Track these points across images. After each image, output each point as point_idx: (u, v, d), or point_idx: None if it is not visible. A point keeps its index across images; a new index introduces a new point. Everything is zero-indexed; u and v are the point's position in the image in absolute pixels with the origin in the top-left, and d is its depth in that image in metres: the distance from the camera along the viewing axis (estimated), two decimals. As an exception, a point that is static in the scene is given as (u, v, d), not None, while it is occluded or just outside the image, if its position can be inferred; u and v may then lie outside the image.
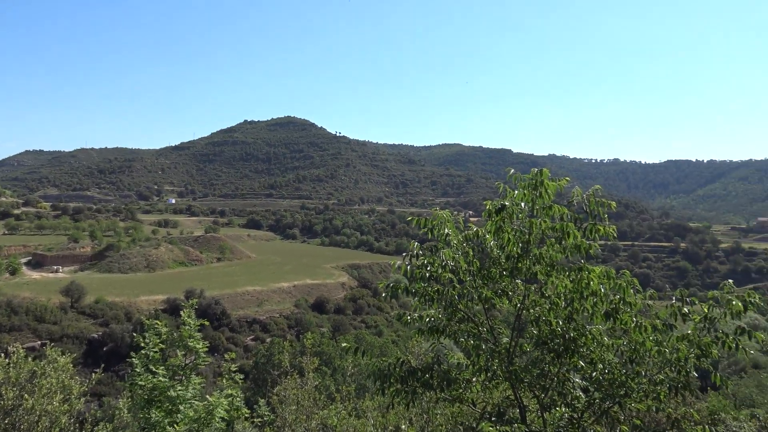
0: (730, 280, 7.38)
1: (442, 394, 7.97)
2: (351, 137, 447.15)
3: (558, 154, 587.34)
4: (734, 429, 19.48)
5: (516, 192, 7.55)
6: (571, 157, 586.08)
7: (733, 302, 6.97)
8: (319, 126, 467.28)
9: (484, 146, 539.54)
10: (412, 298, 8.02)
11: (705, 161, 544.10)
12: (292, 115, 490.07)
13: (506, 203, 7.39)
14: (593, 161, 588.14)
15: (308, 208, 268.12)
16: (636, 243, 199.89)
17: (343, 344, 8.50)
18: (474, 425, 8.32)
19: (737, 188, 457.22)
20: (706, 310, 7.28)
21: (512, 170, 7.72)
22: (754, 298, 7.05)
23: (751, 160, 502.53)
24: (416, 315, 8.13)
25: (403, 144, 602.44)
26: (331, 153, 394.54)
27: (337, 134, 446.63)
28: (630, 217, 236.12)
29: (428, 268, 7.75)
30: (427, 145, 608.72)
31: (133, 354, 9.30)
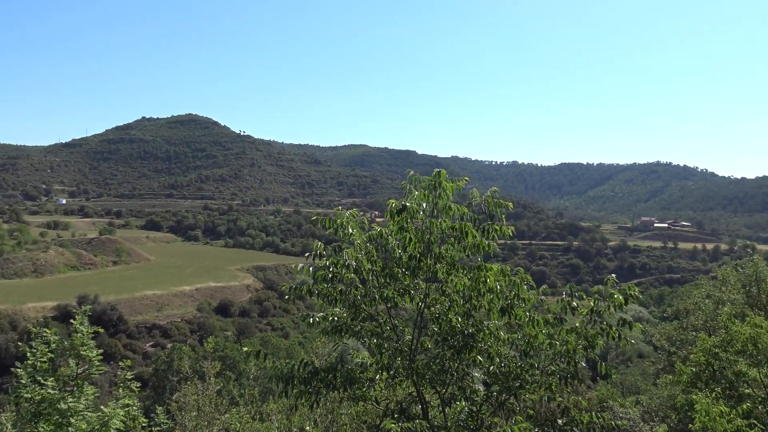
0: (614, 275, 7.92)
1: (346, 394, 8.02)
2: (256, 137, 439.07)
3: (460, 156, 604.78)
4: (621, 415, 20.86)
5: (417, 193, 7.72)
6: (473, 158, 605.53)
7: (615, 296, 7.49)
8: (223, 125, 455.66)
9: (389, 147, 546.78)
10: (316, 299, 8.02)
11: (595, 164, 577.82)
12: (194, 113, 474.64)
13: (407, 204, 7.54)
14: (493, 163, 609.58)
15: (211, 209, 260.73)
16: (533, 242, 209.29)
17: (245, 348, 8.36)
18: (378, 423, 8.44)
19: (623, 190, 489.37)
20: (592, 304, 7.77)
21: (411, 171, 7.89)
22: (634, 291, 7.61)
23: (635, 163, 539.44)
24: (320, 316, 8.13)
25: (309, 144, 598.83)
26: (235, 152, 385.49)
27: (242, 133, 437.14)
28: (528, 217, 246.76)
29: (331, 269, 7.76)
30: (333, 145, 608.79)
31: (18, 364, 8.70)
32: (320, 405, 9.58)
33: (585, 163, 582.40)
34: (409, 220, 7.60)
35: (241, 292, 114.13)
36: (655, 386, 30.33)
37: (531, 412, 8.03)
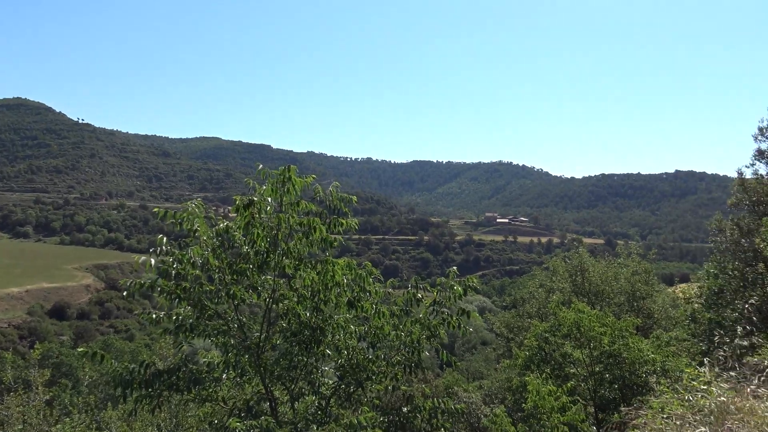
0: (454, 267, 8.37)
1: (191, 395, 7.74)
2: (96, 125, 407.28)
3: (316, 151, 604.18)
4: (464, 399, 22.11)
5: (264, 187, 7.62)
6: (329, 154, 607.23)
7: (455, 287, 7.92)
8: (58, 111, 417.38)
9: (243, 141, 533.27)
10: (157, 297, 7.63)
11: (444, 162, 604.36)
12: (24, 97, 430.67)
13: (255, 199, 7.41)
14: (348, 159, 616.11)
15: (44, 203, 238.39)
16: (387, 237, 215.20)
17: (80, 349, 7.75)
18: (224, 423, 8.23)
19: (469, 187, 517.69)
20: (435, 296, 8.16)
21: (261, 165, 7.77)
22: (473, 282, 8.10)
23: (480, 162, 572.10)
24: (163, 314, 7.76)
25: (157, 135, 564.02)
26: (72, 141, 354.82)
27: (80, 121, 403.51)
28: (381, 212, 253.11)
29: (175, 265, 7.42)
30: (183, 137, 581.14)
31: None
32: (163, 409, 9.16)
33: (435, 161, 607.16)
34: (256, 216, 7.47)
35: (79, 293, 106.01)
36: (495, 371, 32.46)
37: (377, 401, 8.27)
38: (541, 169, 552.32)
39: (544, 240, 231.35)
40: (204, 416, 10.10)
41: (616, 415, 11.91)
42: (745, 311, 11.21)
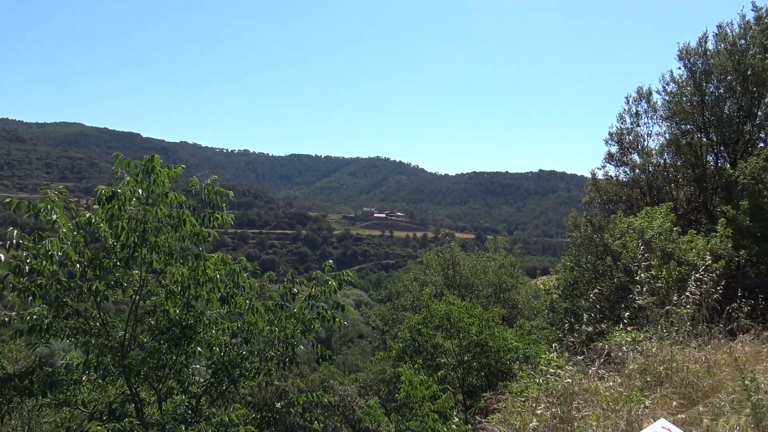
0: (330, 261, 8.44)
1: (46, 400, 7.23)
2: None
3: (190, 141, 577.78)
4: (340, 392, 22.36)
5: (128, 178, 7.25)
6: (203, 145, 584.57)
7: (330, 282, 7.99)
8: None
9: (109, 128, 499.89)
10: (9, 295, 7.03)
11: (323, 156, 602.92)
12: None
13: (118, 190, 7.03)
14: (225, 151, 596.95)
15: None
16: (264, 231, 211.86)
17: None
18: (84, 428, 7.76)
19: (348, 181, 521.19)
20: (311, 290, 8.18)
21: (121, 155, 7.37)
22: (348, 276, 8.21)
23: (359, 157, 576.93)
24: (13, 314, 7.15)
25: (9, 118, 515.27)
26: None
27: None
28: (258, 206, 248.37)
29: (28, 261, 6.86)
30: (40, 122, 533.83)
31: None
32: (13, 416, 8.49)
33: (314, 155, 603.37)
34: (121, 208, 7.08)
35: None
36: (371, 363, 33.08)
37: (250, 398, 8.17)
38: (417, 166, 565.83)
39: (419, 235, 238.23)
40: (61, 422, 9.47)
41: (481, 401, 12.60)
42: (591, 299, 12.28)
